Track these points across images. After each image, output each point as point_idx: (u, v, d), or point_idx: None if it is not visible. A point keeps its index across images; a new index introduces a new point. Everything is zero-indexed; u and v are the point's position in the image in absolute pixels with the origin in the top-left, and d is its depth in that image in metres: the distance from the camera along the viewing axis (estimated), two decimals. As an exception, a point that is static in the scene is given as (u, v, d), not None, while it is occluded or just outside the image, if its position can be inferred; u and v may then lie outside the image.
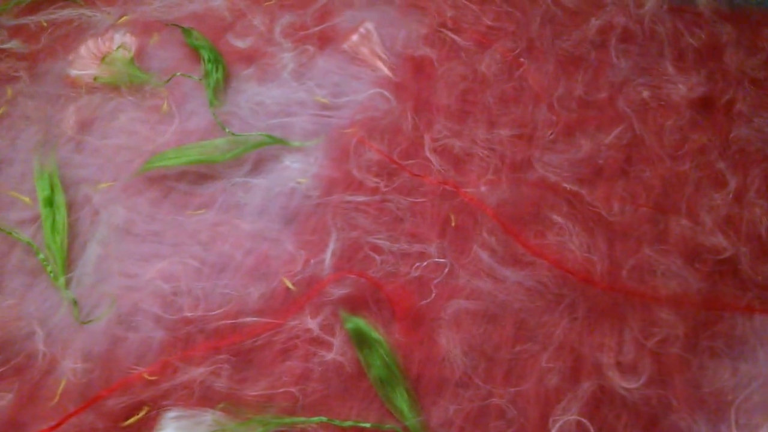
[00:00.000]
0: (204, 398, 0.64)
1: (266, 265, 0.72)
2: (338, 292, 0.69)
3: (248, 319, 0.68)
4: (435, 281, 0.70)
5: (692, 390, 0.63)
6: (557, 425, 0.60)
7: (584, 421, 0.61)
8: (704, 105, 0.82)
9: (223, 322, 0.68)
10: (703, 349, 0.65)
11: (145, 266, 0.72)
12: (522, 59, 0.86)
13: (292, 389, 0.64)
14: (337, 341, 0.67)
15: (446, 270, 0.70)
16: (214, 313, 0.69)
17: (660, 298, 0.67)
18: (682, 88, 0.82)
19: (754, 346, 0.65)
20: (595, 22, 0.89)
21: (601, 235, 0.72)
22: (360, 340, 0.67)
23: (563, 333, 0.66)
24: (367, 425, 0.63)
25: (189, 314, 0.68)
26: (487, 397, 0.63)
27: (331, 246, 0.72)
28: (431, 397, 0.64)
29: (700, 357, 0.65)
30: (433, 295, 0.69)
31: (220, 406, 0.63)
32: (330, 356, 0.66)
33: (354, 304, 0.69)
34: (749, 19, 0.90)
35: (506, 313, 0.68)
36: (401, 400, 0.64)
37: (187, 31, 0.94)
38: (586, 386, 0.63)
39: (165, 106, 0.85)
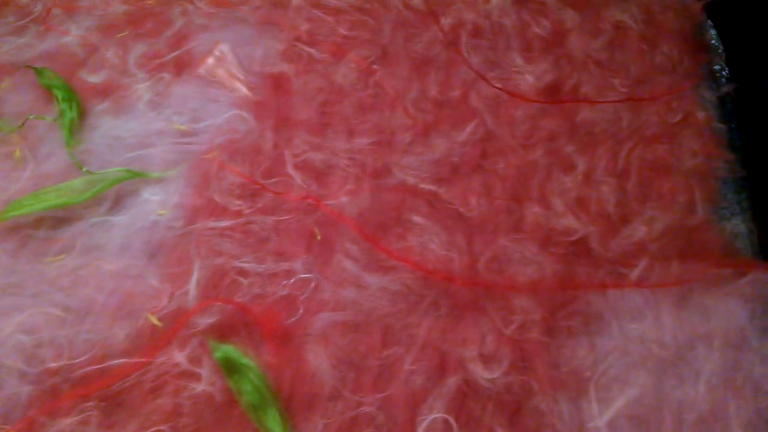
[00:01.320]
0: (74, 451, 0.63)
1: (130, 303, 0.71)
2: (205, 321, 0.69)
3: (115, 361, 0.67)
4: (302, 297, 0.70)
5: (552, 371, 0.66)
6: (423, 425, 0.62)
7: (449, 417, 0.62)
8: (552, 92, 0.85)
9: (90, 368, 0.67)
10: (561, 330, 0.68)
11: (4, 321, 0.70)
12: (375, 66, 0.87)
13: (163, 427, 0.64)
14: (206, 372, 0.67)
15: (312, 285, 0.71)
16: (79, 360, 0.67)
17: (517, 287, 0.69)
18: (530, 77, 0.84)
19: (609, 320, 0.68)
20: (445, 21, 0.91)
21: (460, 232, 0.74)
22: (229, 367, 0.67)
23: (427, 332, 0.67)
24: (240, 453, 0.63)
25: (53, 365, 0.67)
26: (357, 407, 0.64)
27: (195, 275, 0.72)
28: (303, 414, 0.65)
29: (558, 338, 0.67)
30: (301, 311, 0.70)
31: (89, 454, 0.62)
32: (200, 388, 0.66)
33: (222, 331, 0.69)
34: (591, 2, 0.93)
35: (372, 320, 0.69)
36: (274, 423, 0.64)
37: (39, 71, 0.91)
38: (451, 382, 0.65)
39: (18, 153, 0.82)
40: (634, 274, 0.70)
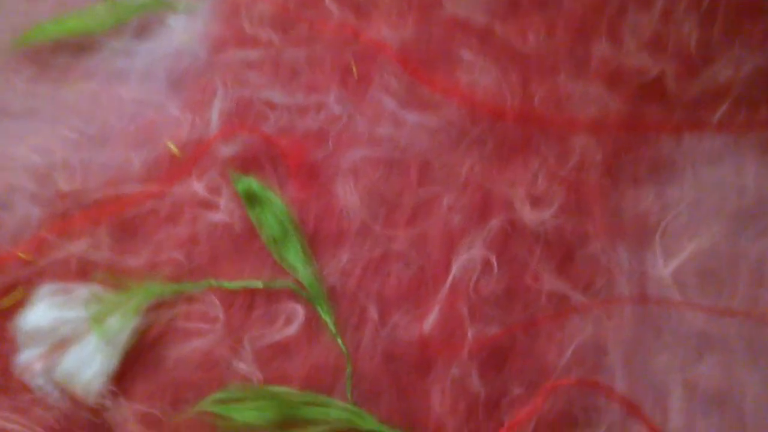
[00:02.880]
0: (83, 273, 0.59)
1: (150, 131, 0.65)
2: (227, 151, 0.63)
3: (130, 188, 0.62)
4: (333, 132, 0.63)
5: (612, 218, 0.58)
6: (459, 262, 0.55)
7: (490, 255, 0.55)
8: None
9: (103, 193, 0.62)
10: (625, 174, 0.59)
11: (18, 144, 0.65)
12: None
13: (178, 255, 0.59)
14: (225, 202, 0.61)
15: (345, 119, 0.64)
16: (93, 184, 0.62)
17: (577, 124, 0.60)
18: None
19: (681, 166, 0.59)
20: None
21: (515, 69, 0.65)
22: (251, 199, 0.61)
23: (470, 171, 0.60)
24: (258, 284, 0.58)
25: (66, 188, 0.62)
26: (388, 243, 0.58)
27: (218, 105, 0.65)
28: (329, 251, 0.59)
29: (621, 183, 0.59)
30: (331, 146, 0.63)
31: (98, 276, 0.57)
32: (218, 217, 0.60)
33: (245, 163, 0.63)
34: None
35: (409, 157, 0.61)
36: (295, 257, 0.58)
37: None
38: (494, 223, 0.57)
39: (40, -23, 0.76)
40: (716, 117, 0.60)
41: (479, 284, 0.55)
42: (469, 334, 0.53)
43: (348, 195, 0.60)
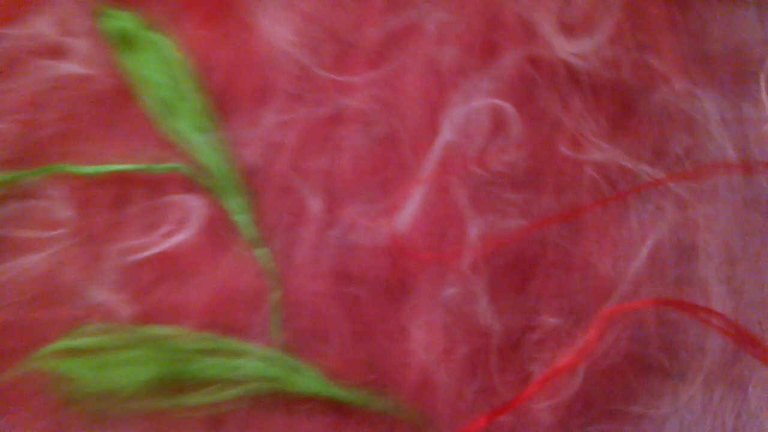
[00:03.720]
0: None
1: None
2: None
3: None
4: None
5: (690, 51, 0.36)
6: (454, 119, 0.33)
7: (503, 107, 0.34)
8: None
9: None
10: None
11: None
12: None
13: (9, 126, 0.37)
14: (85, 47, 0.38)
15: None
16: None
17: None
18: None
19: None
20: None
21: None
22: (126, 43, 0.39)
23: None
24: (135, 168, 0.36)
25: None
26: (338, 98, 0.36)
27: None
28: (247, 116, 0.38)
29: (703, -1, 0.37)
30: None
31: None
32: (73, 69, 0.38)
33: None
34: None
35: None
36: (192, 127, 0.37)
37: None
38: (508, 61, 0.36)
39: None
40: None
41: (487, 154, 0.33)
42: (472, 234, 0.32)
43: (276, 29, 0.38)
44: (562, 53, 0.36)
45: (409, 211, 0.33)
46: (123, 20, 0.40)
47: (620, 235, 0.33)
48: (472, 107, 0.34)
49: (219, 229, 0.35)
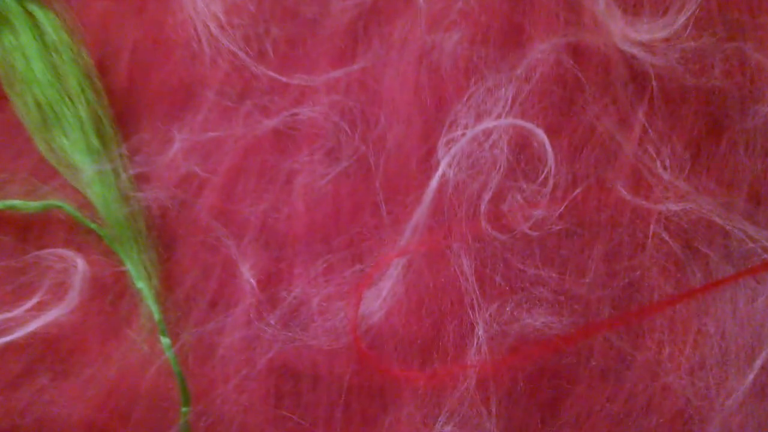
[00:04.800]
0: None
1: None
2: None
3: None
4: None
5: None
6: (454, 139, 0.22)
7: (529, 124, 0.22)
8: None
9: None
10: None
11: None
12: None
13: None
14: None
15: None
16: None
17: None
18: None
19: None
20: None
21: None
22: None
23: None
24: (-6, 205, 0.25)
25: None
26: (291, 103, 0.25)
27: None
28: (157, 128, 0.26)
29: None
30: None
31: None
32: None
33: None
34: None
35: None
36: (80, 143, 0.25)
37: None
38: (535, 56, 0.24)
39: None
40: None
41: (504, 203, 0.22)
42: (479, 332, 0.20)
43: (200, 3, 0.26)
44: (622, 42, 0.24)
45: (386, 288, 0.21)
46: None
47: (707, 339, 0.21)
48: (483, 129, 0.22)
49: (112, 300, 0.24)
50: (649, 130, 0.24)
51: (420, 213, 0.22)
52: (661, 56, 0.24)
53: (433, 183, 0.22)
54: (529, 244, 0.22)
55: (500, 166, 0.22)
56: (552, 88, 0.24)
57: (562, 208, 0.22)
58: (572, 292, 0.22)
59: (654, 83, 0.24)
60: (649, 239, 0.23)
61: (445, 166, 0.22)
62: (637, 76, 0.24)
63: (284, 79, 0.25)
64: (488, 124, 0.22)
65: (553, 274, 0.22)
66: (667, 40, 0.24)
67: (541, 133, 0.22)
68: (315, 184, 0.24)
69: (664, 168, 0.23)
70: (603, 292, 0.22)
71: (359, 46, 0.26)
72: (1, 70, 0.27)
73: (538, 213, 0.21)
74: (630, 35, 0.24)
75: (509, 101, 0.23)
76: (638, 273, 0.22)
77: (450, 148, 0.22)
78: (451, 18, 0.25)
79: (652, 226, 0.23)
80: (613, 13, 0.24)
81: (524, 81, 0.24)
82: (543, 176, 0.22)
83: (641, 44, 0.24)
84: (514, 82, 0.23)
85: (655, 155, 0.23)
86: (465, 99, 0.23)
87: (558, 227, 0.22)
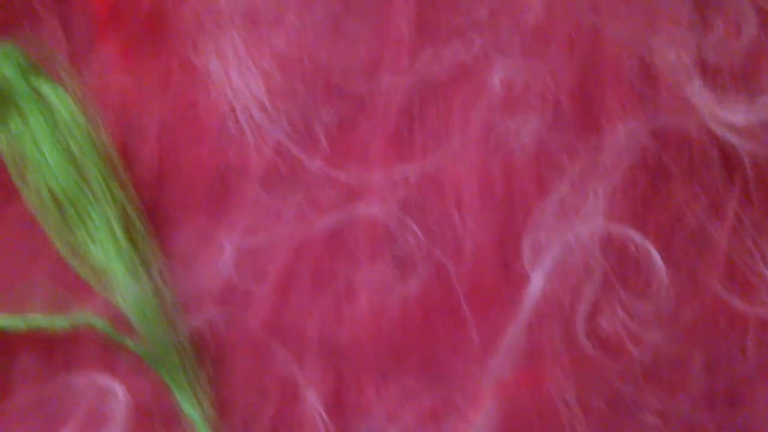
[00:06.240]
0: None
1: None
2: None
3: None
4: None
5: None
6: (549, 259, 0.19)
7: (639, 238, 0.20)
8: None
9: None
10: None
11: None
12: None
13: None
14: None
15: None
16: None
17: None
18: None
19: None
20: None
21: None
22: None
23: None
24: (14, 323, 0.22)
25: None
26: (347, 208, 0.22)
27: None
28: (200, 230, 0.23)
29: None
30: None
31: None
32: None
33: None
34: None
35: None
36: (111, 247, 0.22)
37: None
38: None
39: None
40: None
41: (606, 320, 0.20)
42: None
43: (235, 77, 0.23)
44: (713, 124, 0.22)
45: (478, 420, 0.19)
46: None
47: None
48: (575, 236, 0.20)
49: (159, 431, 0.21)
50: (744, 218, 0.22)
51: (513, 332, 0.19)
52: (756, 141, 0.22)
53: (527, 299, 0.19)
54: (629, 361, 0.20)
55: (594, 274, 0.20)
56: (638, 176, 0.22)
57: (666, 320, 0.20)
58: (676, 413, 0.20)
59: (749, 171, 0.22)
60: (750, 346, 0.21)
61: (537, 278, 0.19)
62: (729, 161, 0.22)
63: (336, 174, 0.22)
64: (580, 229, 0.20)
65: (655, 394, 0.20)
66: (764, 124, 0.22)
67: (640, 239, 0.20)
68: (380, 290, 0.22)
69: (766, 264, 0.21)
70: (706, 413, 0.20)
71: (416, 126, 0.23)
72: (9, 159, 0.24)
73: (652, 338, 0.19)
74: (722, 117, 0.22)
75: (597, 195, 0.21)
76: (742, 386, 0.20)
77: (537, 253, 0.20)
78: (524, 98, 0.22)
79: (752, 331, 0.21)
80: (703, 93, 0.22)
81: (610, 170, 0.21)
82: (646, 285, 0.20)
83: (734, 127, 0.22)
84: (599, 172, 0.21)
85: (753, 249, 0.21)
86: (546, 193, 0.21)
87: (657, 337, 0.20)
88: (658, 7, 0.23)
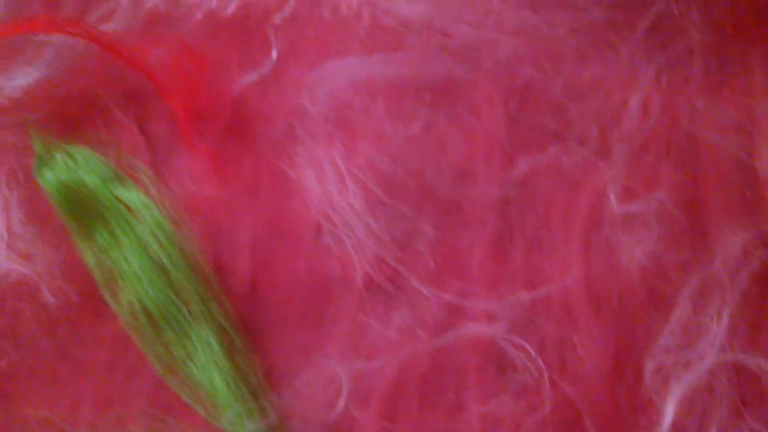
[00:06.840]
0: None
1: None
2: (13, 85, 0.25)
3: None
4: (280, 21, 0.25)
5: None
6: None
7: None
8: None
9: None
10: None
11: None
12: None
13: None
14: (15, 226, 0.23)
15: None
16: None
17: None
18: None
19: None
20: None
21: None
22: (80, 213, 0.23)
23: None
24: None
25: None
26: (459, 317, 0.21)
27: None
28: (296, 347, 0.22)
29: None
30: (276, 55, 0.25)
31: None
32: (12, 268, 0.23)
33: (63, 118, 0.25)
34: None
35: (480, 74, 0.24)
36: (215, 372, 0.22)
37: None
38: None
39: None
40: None
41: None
42: None
43: (329, 188, 0.23)
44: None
45: None
46: (75, 171, 0.24)
47: None
48: (701, 359, 0.19)
49: None
50: None
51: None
52: None
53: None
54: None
55: (723, 403, 0.19)
56: (756, 291, 0.21)
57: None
58: None
59: None
60: None
61: (670, 411, 0.19)
62: None
63: (440, 290, 0.22)
64: (710, 358, 0.19)
65: None
66: None
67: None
68: (494, 411, 0.21)
69: None
70: None
71: (516, 234, 0.23)
72: (99, 275, 0.23)
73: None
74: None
75: (720, 318, 0.20)
76: None
77: (662, 380, 0.20)
78: (633, 209, 0.22)
79: None
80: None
81: (727, 285, 0.21)
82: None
83: None
84: (715, 290, 0.21)
85: None
86: (665, 314, 0.21)
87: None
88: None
